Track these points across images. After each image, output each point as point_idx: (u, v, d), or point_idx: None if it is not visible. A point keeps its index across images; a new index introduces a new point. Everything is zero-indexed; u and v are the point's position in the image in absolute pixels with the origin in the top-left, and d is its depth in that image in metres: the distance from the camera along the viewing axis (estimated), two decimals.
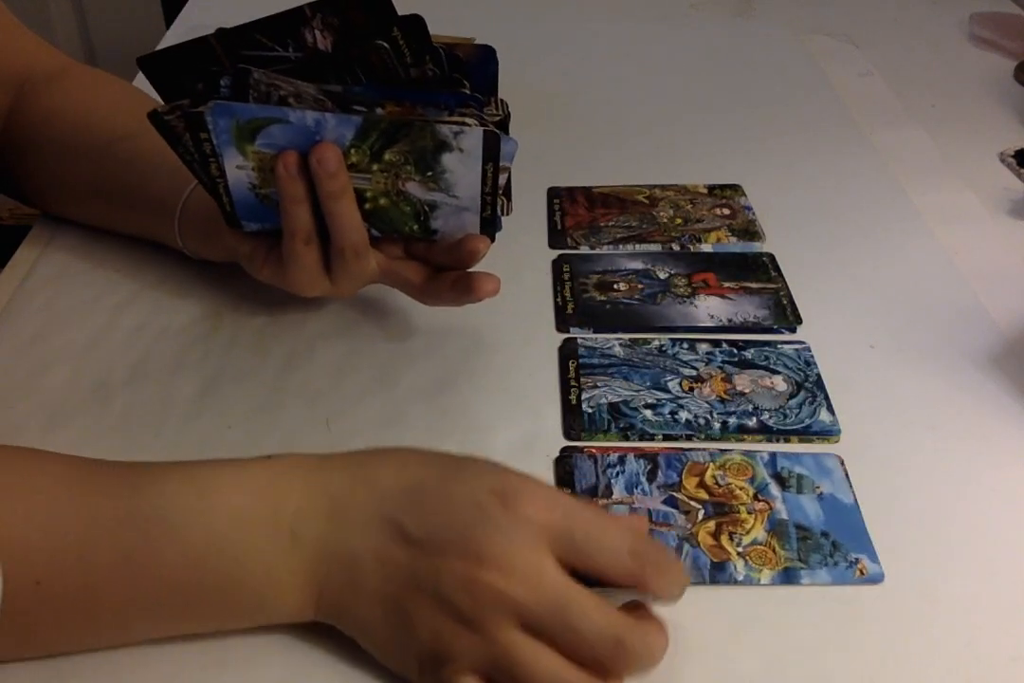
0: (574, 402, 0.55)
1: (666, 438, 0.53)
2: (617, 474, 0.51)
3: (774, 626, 0.44)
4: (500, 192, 0.51)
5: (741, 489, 0.50)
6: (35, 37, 0.70)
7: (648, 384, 0.56)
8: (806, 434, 0.53)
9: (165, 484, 0.41)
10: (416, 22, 0.48)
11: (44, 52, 0.70)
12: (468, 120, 0.48)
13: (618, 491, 0.50)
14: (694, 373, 0.57)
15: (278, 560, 0.40)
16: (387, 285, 0.57)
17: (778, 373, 0.57)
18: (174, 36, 1.00)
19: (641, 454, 0.52)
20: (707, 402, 0.55)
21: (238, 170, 0.51)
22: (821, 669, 0.42)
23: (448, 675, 0.39)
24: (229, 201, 0.52)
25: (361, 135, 0.49)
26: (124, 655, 0.42)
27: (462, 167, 0.50)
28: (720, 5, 1.10)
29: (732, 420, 0.54)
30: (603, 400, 0.55)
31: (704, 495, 0.50)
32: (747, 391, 0.56)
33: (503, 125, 0.50)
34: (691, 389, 0.56)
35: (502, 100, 0.50)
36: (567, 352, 0.59)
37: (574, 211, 0.72)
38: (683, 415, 0.54)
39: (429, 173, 0.50)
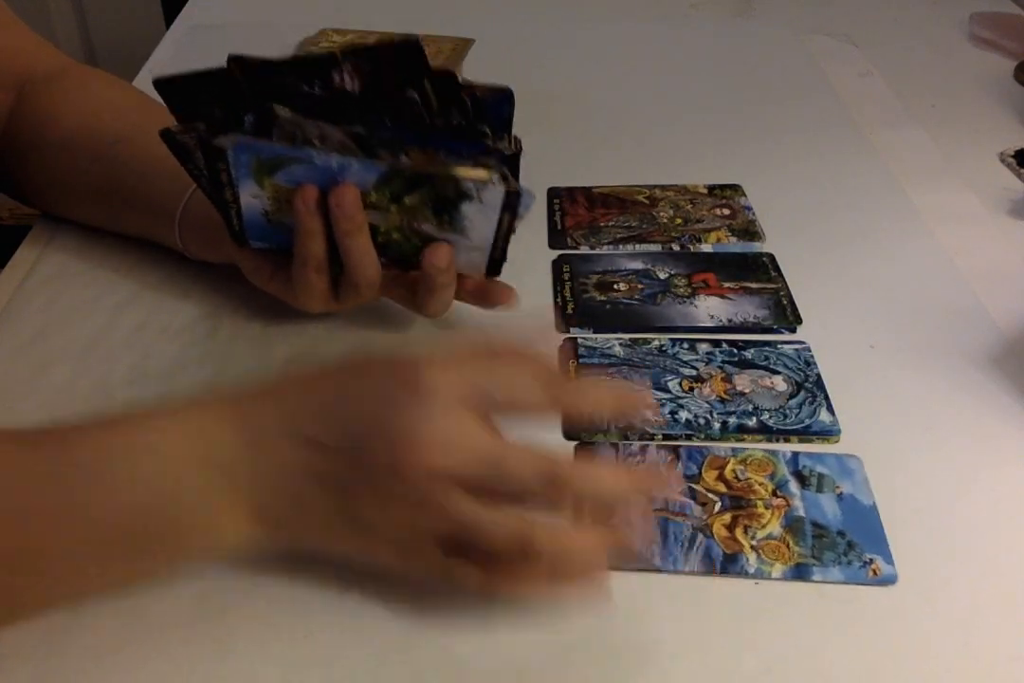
0: None
1: (666, 438, 0.53)
2: (638, 463, 0.51)
3: (780, 623, 0.44)
4: (512, 235, 0.52)
5: (760, 484, 0.50)
6: (36, 36, 0.70)
7: (648, 384, 0.56)
8: (806, 434, 0.53)
9: (88, 434, 0.42)
10: (447, 77, 0.49)
11: (45, 52, 0.70)
12: (492, 175, 0.49)
13: None
14: (694, 373, 0.57)
15: (212, 493, 0.41)
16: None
17: (778, 373, 0.57)
18: (174, 36, 1.00)
19: (663, 445, 0.52)
20: (707, 402, 0.55)
21: (252, 198, 0.51)
22: (821, 668, 0.42)
23: (429, 556, 0.41)
24: (239, 223, 0.53)
25: (384, 181, 0.49)
26: (125, 654, 0.42)
27: (480, 216, 0.51)
28: (720, 5, 1.10)
29: (732, 420, 0.54)
30: None
31: (723, 488, 0.50)
32: (747, 391, 0.56)
33: (515, 158, 0.50)
34: (691, 389, 0.56)
35: (516, 137, 0.51)
36: (567, 352, 0.59)
37: (574, 211, 0.72)
38: (683, 415, 0.54)
39: (446, 217, 0.51)
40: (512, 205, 0.50)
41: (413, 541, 0.41)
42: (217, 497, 0.41)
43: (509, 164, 0.50)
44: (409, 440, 0.39)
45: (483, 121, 0.49)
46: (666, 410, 0.54)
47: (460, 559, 0.41)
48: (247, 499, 0.41)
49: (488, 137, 0.50)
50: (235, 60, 0.48)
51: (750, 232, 0.70)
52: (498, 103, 0.49)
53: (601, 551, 0.41)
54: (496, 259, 0.54)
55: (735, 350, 0.59)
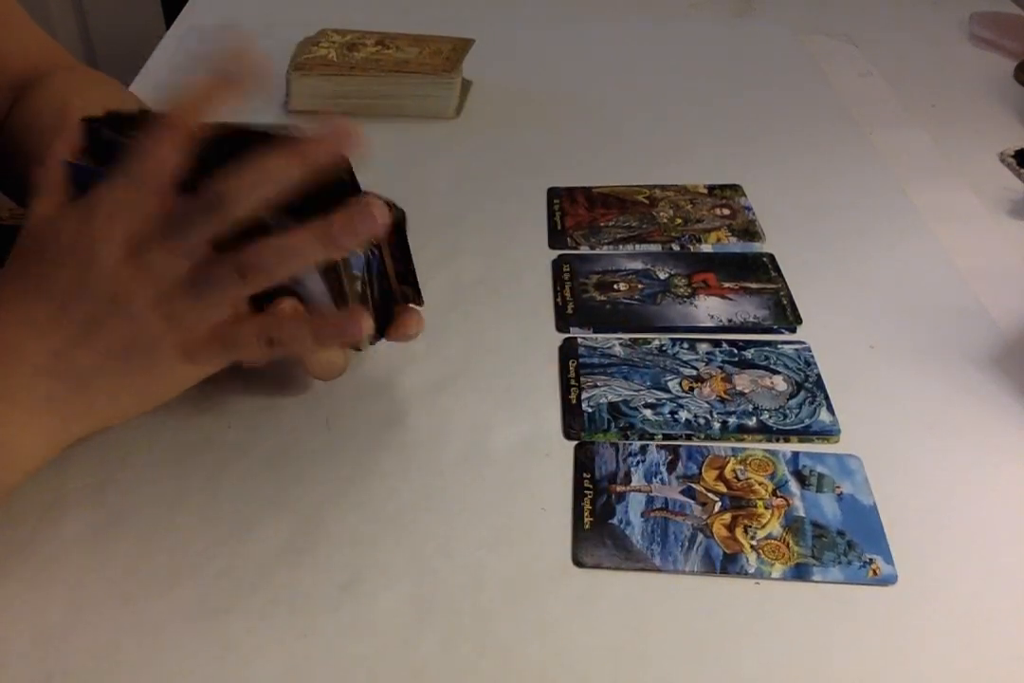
0: (574, 402, 0.55)
1: (666, 438, 0.53)
2: (638, 463, 0.51)
3: (780, 623, 0.44)
4: (358, 295, 0.49)
5: (760, 484, 0.50)
6: (42, 35, 0.70)
7: (648, 384, 0.56)
8: (806, 434, 0.53)
9: None
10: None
11: (48, 52, 0.70)
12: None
13: (637, 479, 0.50)
14: (694, 373, 0.57)
15: None
16: None
17: (778, 373, 0.57)
18: (174, 36, 1.00)
19: (663, 445, 0.52)
20: (707, 402, 0.55)
21: None
22: (822, 668, 0.42)
23: (197, 336, 0.45)
24: None
25: None
26: (125, 654, 0.42)
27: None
28: (720, 5, 1.10)
29: (732, 420, 0.54)
30: (603, 400, 0.55)
31: (723, 488, 0.50)
32: (747, 391, 0.56)
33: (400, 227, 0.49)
34: (691, 389, 0.56)
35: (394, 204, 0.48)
36: (567, 352, 0.59)
37: (574, 211, 0.72)
38: (683, 415, 0.54)
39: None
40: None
41: (175, 336, 0.45)
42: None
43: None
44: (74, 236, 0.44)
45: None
46: (666, 410, 0.54)
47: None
48: (16, 400, 0.44)
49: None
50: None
51: (750, 232, 0.70)
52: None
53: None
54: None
55: (735, 350, 0.59)
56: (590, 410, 0.54)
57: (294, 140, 0.44)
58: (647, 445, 0.52)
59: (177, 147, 0.44)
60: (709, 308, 0.62)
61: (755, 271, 0.66)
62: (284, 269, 0.45)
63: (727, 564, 0.46)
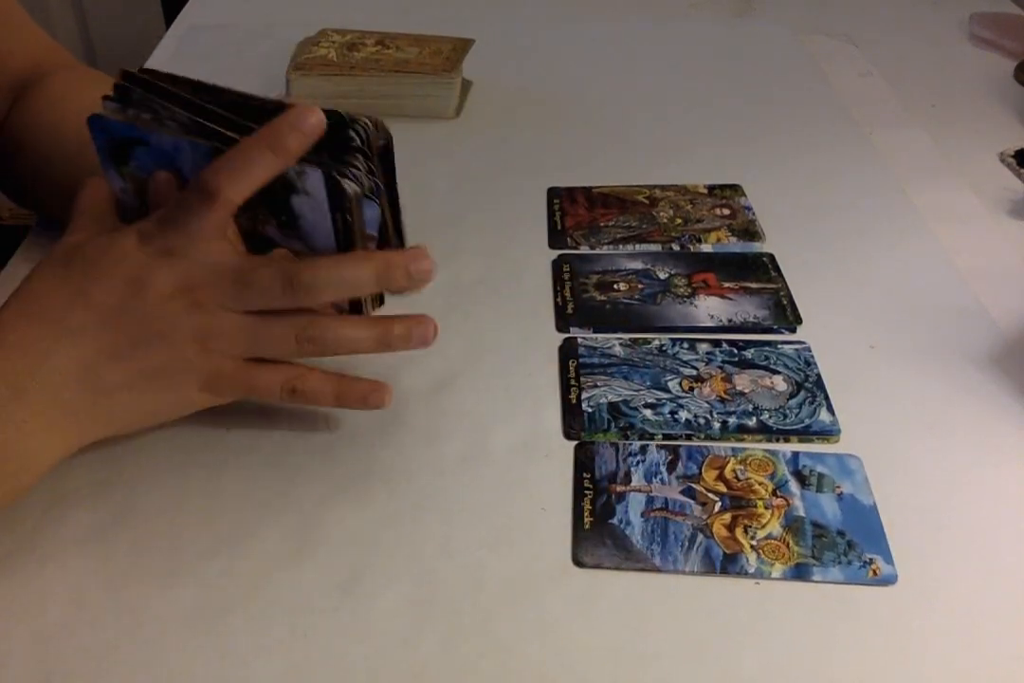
0: (574, 401, 0.55)
1: (666, 437, 0.53)
2: (638, 463, 0.51)
3: (780, 623, 0.44)
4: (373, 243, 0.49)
5: (760, 484, 0.50)
6: (42, 35, 0.70)
7: (648, 384, 0.56)
8: (806, 434, 0.53)
9: None
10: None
11: (48, 51, 0.70)
12: (307, 163, 0.45)
13: (637, 479, 0.50)
14: (694, 373, 0.57)
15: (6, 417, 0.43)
16: None
17: (778, 373, 0.57)
18: (174, 36, 1.00)
19: (663, 445, 0.52)
20: (707, 402, 0.55)
21: (123, 194, 0.50)
22: (822, 668, 0.42)
23: (229, 374, 0.47)
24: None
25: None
26: (125, 654, 0.42)
27: (312, 213, 0.46)
28: (720, 5, 1.10)
29: (732, 420, 0.54)
30: (603, 399, 0.55)
31: (722, 488, 0.50)
32: (747, 391, 0.56)
33: (387, 149, 0.47)
34: (691, 389, 0.56)
35: (375, 126, 0.46)
36: (567, 351, 0.59)
37: (574, 211, 0.72)
38: (683, 415, 0.54)
39: (284, 217, 0.47)
40: (338, 199, 0.45)
41: (205, 367, 0.46)
42: (30, 424, 0.44)
43: (364, 155, 0.46)
44: (135, 271, 0.45)
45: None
46: (666, 410, 0.54)
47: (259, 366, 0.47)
48: (53, 422, 0.44)
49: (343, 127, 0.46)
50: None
51: (750, 232, 0.70)
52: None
53: (375, 329, 0.47)
54: None
55: (735, 350, 0.59)
56: (590, 410, 0.54)
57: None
58: (647, 445, 0.52)
59: (226, 216, 0.45)
60: (709, 308, 0.62)
61: (755, 271, 0.66)
62: (338, 348, 0.47)
63: (727, 564, 0.46)
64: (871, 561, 0.46)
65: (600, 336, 0.60)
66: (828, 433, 0.53)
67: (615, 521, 0.48)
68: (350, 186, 0.44)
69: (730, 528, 0.48)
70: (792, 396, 0.55)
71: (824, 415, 0.54)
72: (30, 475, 0.45)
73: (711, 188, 0.75)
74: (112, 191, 0.51)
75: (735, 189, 0.75)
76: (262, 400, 0.50)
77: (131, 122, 0.48)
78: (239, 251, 0.47)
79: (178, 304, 0.45)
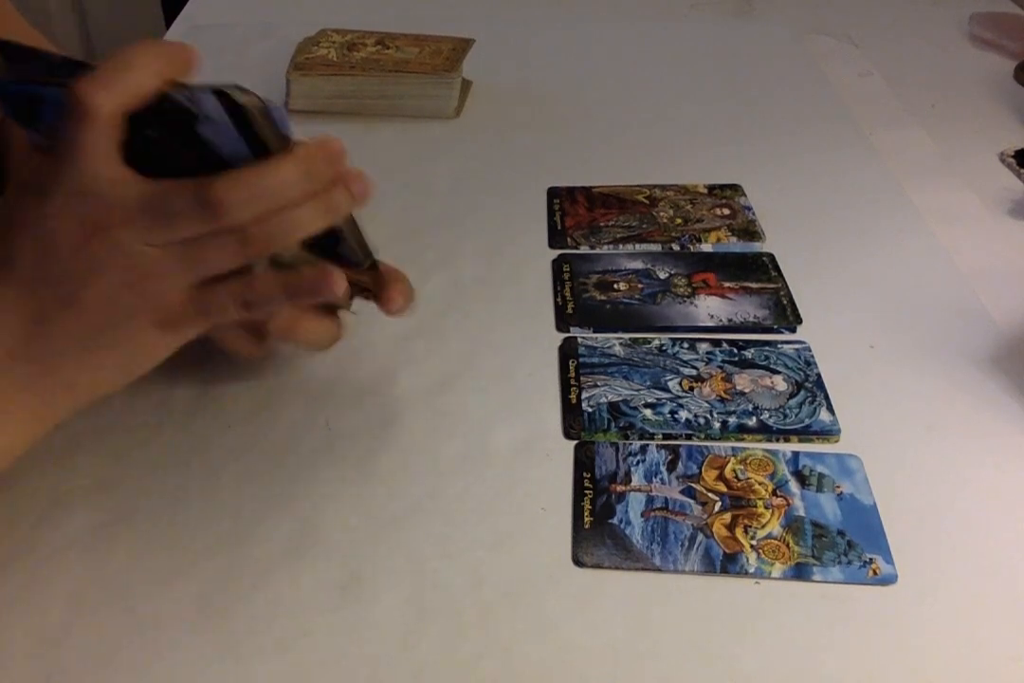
0: (574, 401, 0.55)
1: (666, 437, 0.53)
2: (638, 462, 0.51)
3: (780, 623, 0.44)
4: None
5: (760, 484, 0.50)
6: (41, 38, 0.70)
7: (648, 383, 0.56)
8: (806, 434, 0.53)
9: None
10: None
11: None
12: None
13: (637, 479, 0.50)
14: (694, 372, 0.57)
15: None
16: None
17: (778, 373, 0.57)
18: (174, 36, 1.00)
19: (663, 445, 0.52)
20: (707, 402, 0.55)
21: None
22: (821, 668, 0.42)
23: (182, 309, 0.43)
24: None
25: None
26: (125, 654, 0.42)
27: (222, 138, 0.42)
28: (720, 5, 1.10)
29: (732, 420, 0.54)
30: (603, 399, 0.55)
31: (723, 488, 0.50)
32: (747, 391, 0.56)
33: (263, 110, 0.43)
34: (691, 388, 0.56)
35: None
36: (567, 351, 0.59)
37: (574, 211, 0.72)
38: (683, 414, 0.54)
39: (199, 151, 0.43)
40: (240, 112, 0.41)
41: (148, 309, 0.43)
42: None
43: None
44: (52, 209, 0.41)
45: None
46: (666, 409, 0.54)
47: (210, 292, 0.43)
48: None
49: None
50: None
51: (750, 232, 0.70)
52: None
53: (322, 208, 0.42)
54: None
55: (735, 350, 0.59)
56: (590, 410, 0.54)
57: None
58: (647, 445, 0.52)
59: (108, 127, 0.41)
60: (709, 308, 0.62)
61: (755, 271, 0.66)
62: (282, 225, 0.42)
63: (727, 564, 0.46)
64: (871, 561, 0.46)
65: (600, 336, 0.60)
66: (828, 433, 0.53)
67: (615, 521, 0.48)
68: (246, 99, 0.41)
69: (730, 528, 0.48)
70: (792, 396, 0.55)
71: (824, 415, 0.54)
72: (2, 459, 0.44)
73: (711, 188, 0.75)
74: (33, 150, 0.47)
75: (735, 189, 0.75)
76: (221, 324, 0.47)
77: (22, 80, 0.45)
78: (140, 178, 0.42)
79: (93, 251, 0.41)
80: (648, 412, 0.54)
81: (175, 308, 0.43)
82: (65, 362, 0.44)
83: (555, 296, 0.64)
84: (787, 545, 0.47)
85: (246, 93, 0.41)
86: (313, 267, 0.45)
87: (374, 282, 0.50)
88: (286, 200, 0.42)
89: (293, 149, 0.42)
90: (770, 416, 0.54)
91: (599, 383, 0.56)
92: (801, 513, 0.49)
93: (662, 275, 0.65)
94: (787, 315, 0.62)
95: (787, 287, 0.64)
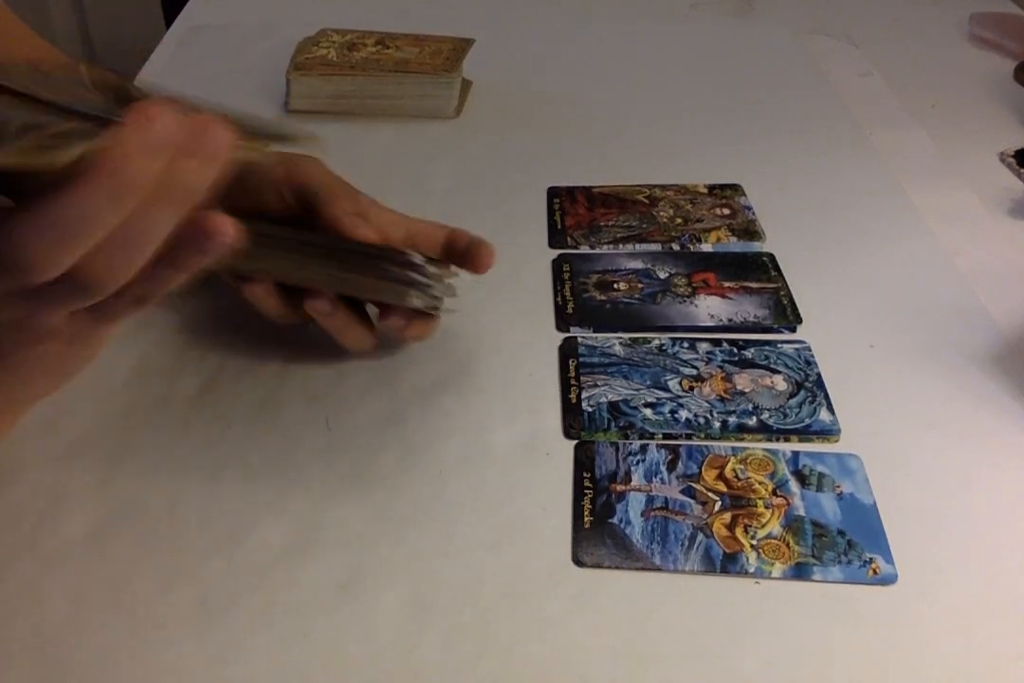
0: (574, 401, 0.55)
1: (666, 437, 0.53)
2: (638, 462, 0.51)
3: (780, 622, 0.44)
4: None
5: (760, 484, 0.50)
6: (39, 39, 0.70)
7: (648, 383, 0.56)
8: (806, 434, 0.53)
9: None
10: None
11: (44, 52, 0.70)
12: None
13: (637, 478, 0.50)
14: (694, 372, 0.57)
15: None
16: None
17: (778, 372, 0.57)
18: (174, 36, 1.00)
19: (663, 444, 0.52)
20: (707, 401, 0.55)
21: None
22: (821, 668, 0.42)
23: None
24: None
25: None
26: (125, 654, 0.42)
27: None
28: (720, 5, 1.10)
29: (732, 419, 0.54)
30: (603, 399, 0.55)
31: (723, 487, 0.50)
32: (747, 390, 0.56)
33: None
34: (691, 388, 0.56)
35: None
36: (567, 351, 0.59)
37: (574, 211, 0.72)
38: (683, 414, 0.54)
39: None
40: None
41: (41, 335, 0.37)
42: None
43: None
44: None
45: None
46: (666, 409, 0.54)
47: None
48: None
49: None
50: None
51: (750, 232, 0.70)
52: None
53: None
54: None
55: (735, 349, 0.59)
56: (590, 409, 0.54)
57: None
58: (647, 444, 0.52)
59: None
60: (709, 307, 0.62)
61: (755, 271, 0.66)
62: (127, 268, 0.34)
63: (727, 563, 0.46)
64: (871, 561, 0.46)
65: (600, 335, 0.60)
66: (828, 433, 0.53)
67: (615, 520, 0.48)
68: None
69: (730, 527, 0.48)
70: (792, 395, 0.55)
71: (824, 415, 0.54)
72: None
73: (711, 188, 0.75)
74: None
75: (735, 189, 0.75)
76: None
77: None
78: None
79: None
80: (648, 412, 0.54)
81: (70, 328, 0.38)
82: None
83: (555, 296, 0.64)
84: (787, 545, 0.47)
85: None
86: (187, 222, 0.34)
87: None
88: (91, 229, 0.32)
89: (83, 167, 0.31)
90: (770, 416, 0.54)
91: (599, 383, 0.56)
92: (801, 513, 0.49)
93: (662, 275, 0.65)
94: (787, 315, 0.62)
95: (787, 287, 0.64)
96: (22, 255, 0.32)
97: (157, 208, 0.32)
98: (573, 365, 0.58)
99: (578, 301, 0.63)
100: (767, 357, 0.58)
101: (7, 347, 0.39)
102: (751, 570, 0.46)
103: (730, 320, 0.61)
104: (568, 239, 0.69)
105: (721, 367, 0.57)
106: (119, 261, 0.33)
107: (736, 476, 0.51)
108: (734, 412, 0.54)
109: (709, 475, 0.51)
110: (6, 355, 0.39)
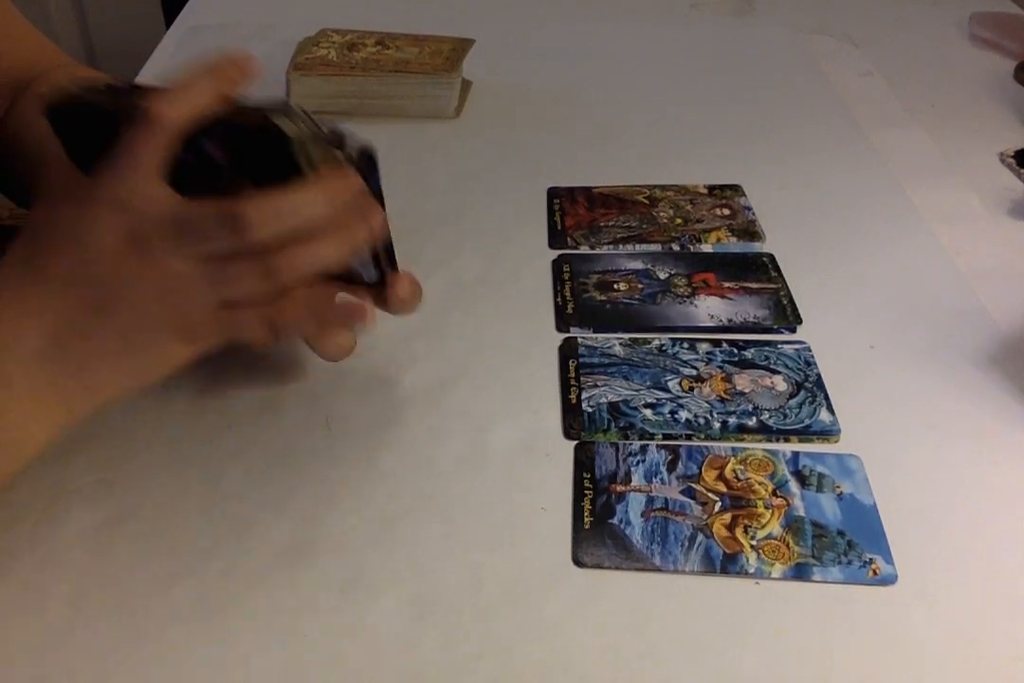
0: (574, 401, 0.55)
1: (666, 437, 0.53)
2: (638, 463, 0.51)
3: (780, 623, 0.44)
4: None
5: (760, 484, 0.50)
6: (41, 38, 0.70)
7: (648, 383, 0.56)
8: (806, 434, 0.53)
9: None
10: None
11: (47, 53, 0.70)
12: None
13: (637, 479, 0.50)
14: (694, 373, 0.57)
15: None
16: None
17: (778, 373, 0.57)
18: (174, 36, 1.00)
19: (663, 445, 0.52)
20: (707, 402, 0.55)
21: None
22: (821, 668, 0.42)
23: (202, 320, 0.45)
24: None
25: None
26: (125, 654, 0.42)
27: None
28: (720, 5, 1.10)
29: (732, 420, 0.54)
30: (603, 399, 0.55)
31: (722, 488, 0.50)
32: (747, 391, 0.56)
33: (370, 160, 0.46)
34: (691, 388, 0.56)
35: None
36: (567, 351, 0.59)
37: (574, 211, 0.72)
38: (683, 414, 0.54)
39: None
40: (284, 141, 0.43)
41: (174, 320, 0.44)
42: (26, 395, 0.43)
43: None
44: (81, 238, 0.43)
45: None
46: (666, 409, 0.54)
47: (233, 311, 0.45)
48: (21, 388, 0.43)
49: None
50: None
51: (750, 232, 0.70)
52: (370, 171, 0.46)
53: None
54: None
55: (735, 350, 0.59)
56: (590, 410, 0.54)
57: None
58: (647, 445, 0.52)
59: (165, 140, 0.43)
60: (709, 308, 0.62)
61: (755, 271, 0.66)
62: (310, 264, 0.45)
63: (727, 564, 0.46)
64: (871, 561, 0.46)
65: (600, 336, 0.60)
66: (828, 433, 0.53)
67: (615, 521, 0.48)
68: (289, 128, 0.43)
69: (730, 528, 0.48)
70: (792, 396, 0.55)
71: (824, 415, 0.54)
72: (17, 461, 0.44)
73: (711, 188, 0.75)
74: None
75: (735, 189, 0.75)
76: (245, 343, 0.47)
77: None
78: (174, 196, 0.44)
79: (129, 261, 0.43)
80: (648, 412, 0.54)
81: (199, 323, 0.45)
82: (89, 365, 0.44)
83: (555, 296, 0.64)
84: (787, 545, 0.47)
85: (293, 121, 0.43)
86: (345, 304, 0.48)
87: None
88: (308, 222, 0.43)
89: (320, 176, 0.44)
90: (770, 416, 0.54)
91: (599, 383, 0.56)
92: (801, 513, 0.49)
93: (662, 275, 0.65)
94: (787, 315, 0.62)
95: (787, 287, 0.64)
96: (248, 213, 0.42)
97: (335, 238, 0.44)
98: (573, 365, 0.58)
99: (578, 301, 0.63)
100: (767, 357, 0.58)
101: (145, 322, 0.44)
102: (751, 570, 0.46)
103: (730, 320, 0.61)
104: (568, 239, 0.69)
105: (721, 367, 0.57)
106: (297, 262, 0.44)
107: (736, 477, 0.51)
108: (734, 413, 0.54)
109: (709, 476, 0.51)
110: (134, 333, 0.45)
